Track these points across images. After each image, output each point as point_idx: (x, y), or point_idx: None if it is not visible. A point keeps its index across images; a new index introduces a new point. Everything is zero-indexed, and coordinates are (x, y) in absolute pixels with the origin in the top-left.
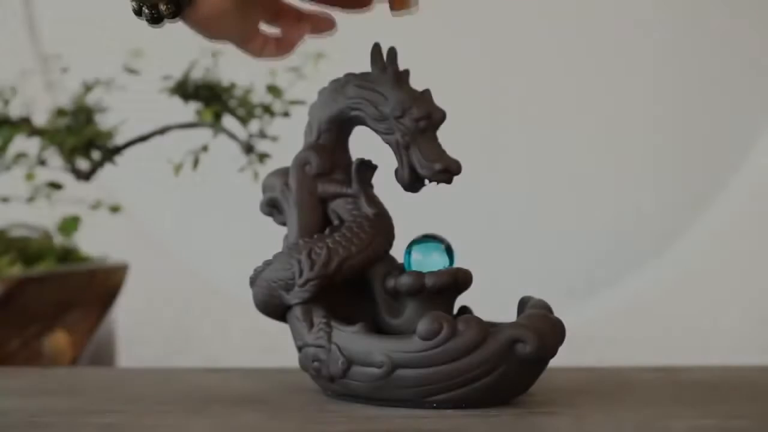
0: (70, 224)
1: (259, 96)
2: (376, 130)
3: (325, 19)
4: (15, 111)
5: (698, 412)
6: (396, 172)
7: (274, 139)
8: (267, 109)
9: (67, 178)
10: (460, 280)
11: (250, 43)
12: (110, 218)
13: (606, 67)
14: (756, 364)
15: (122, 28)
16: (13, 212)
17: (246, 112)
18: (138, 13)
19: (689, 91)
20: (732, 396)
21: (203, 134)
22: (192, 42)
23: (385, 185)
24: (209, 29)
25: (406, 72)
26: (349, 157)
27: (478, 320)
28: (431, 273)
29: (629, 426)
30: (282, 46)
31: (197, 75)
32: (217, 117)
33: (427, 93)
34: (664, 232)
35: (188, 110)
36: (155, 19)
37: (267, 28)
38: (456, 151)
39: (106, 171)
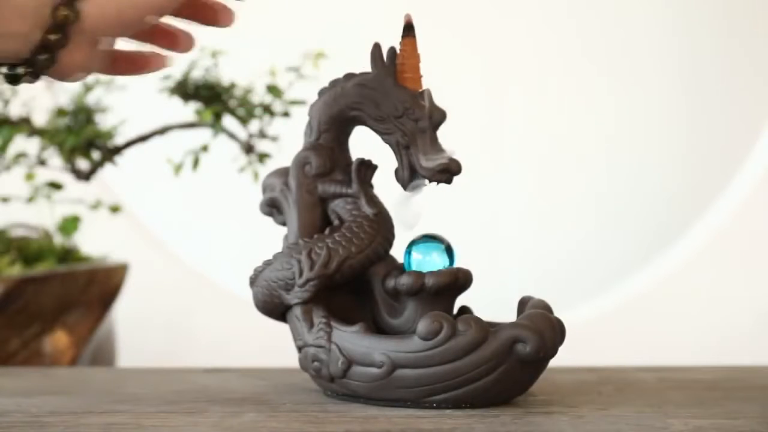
0: (70, 224)
1: (259, 96)
2: (376, 130)
3: (184, 37)
4: (15, 111)
5: (698, 412)
6: (396, 172)
7: (274, 139)
8: (267, 109)
9: (67, 178)
10: (460, 280)
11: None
12: (110, 218)
13: (607, 67)
14: (756, 364)
15: None
16: (13, 212)
17: (246, 112)
18: None
19: (690, 92)
20: (731, 396)
21: (203, 134)
22: None
23: (385, 185)
24: (74, 79)
25: None
26: (349, 157)
27: (478, 320)
28: (431, 273)
29: (629, 426)
30: (137, 66)
31: (197, 75)
32: (217, 117)
33: (427, 93)
34: (664, 231)
35: (188, 110)
36: (13, 79)
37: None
38: (456, 151)
39: (106, 171)
